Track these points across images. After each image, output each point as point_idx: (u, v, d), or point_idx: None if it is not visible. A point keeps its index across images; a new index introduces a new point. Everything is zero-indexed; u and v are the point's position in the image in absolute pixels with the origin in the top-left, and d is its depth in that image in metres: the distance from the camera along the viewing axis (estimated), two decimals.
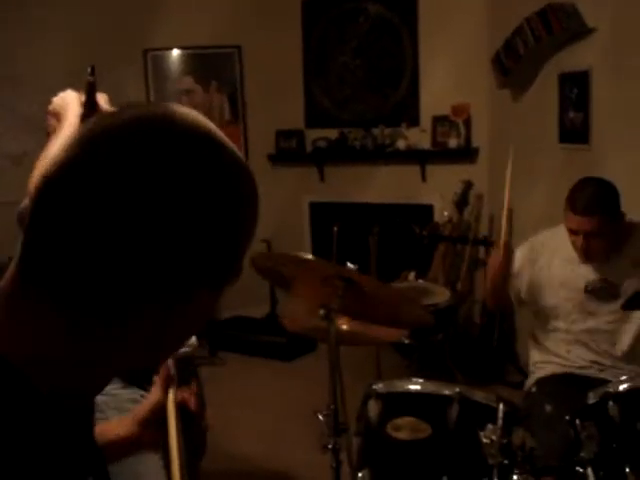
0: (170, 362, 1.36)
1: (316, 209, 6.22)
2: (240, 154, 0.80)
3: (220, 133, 0.78)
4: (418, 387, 2.16)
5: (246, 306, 5.82)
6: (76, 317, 0.71)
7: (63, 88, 1.68)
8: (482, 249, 5.21)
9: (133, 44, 5.88)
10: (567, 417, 2.19)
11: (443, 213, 5.38)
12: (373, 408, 2.18)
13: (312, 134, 6.09)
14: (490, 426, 2.07)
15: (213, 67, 6.10)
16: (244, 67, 6.11)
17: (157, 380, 1.33)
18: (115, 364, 0.78)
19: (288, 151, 6.15)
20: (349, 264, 2.86)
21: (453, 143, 5.49)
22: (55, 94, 1.59)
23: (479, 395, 2.14)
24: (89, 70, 1.44)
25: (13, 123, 5.71)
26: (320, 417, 2.50)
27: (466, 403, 2.09)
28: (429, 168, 5.68)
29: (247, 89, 6.16)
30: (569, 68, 4.04)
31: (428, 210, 5.70)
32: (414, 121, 5.66)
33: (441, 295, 4.42)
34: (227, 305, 6.02)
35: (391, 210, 5.83)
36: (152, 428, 1.30)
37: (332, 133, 5.98)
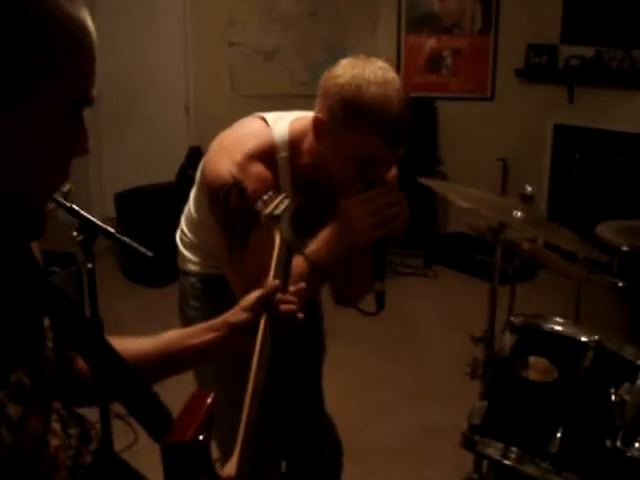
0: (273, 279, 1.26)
1: (560, 132, 5.82)
2: None
3: None
4: (556, 327, 2.00)
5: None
6: None
7: None
8: None
9: None
10: None
11: None
12: (508, 340, 2.06)
13: (566, 51, 5.64)
14: (627, 384, 1.88)
15: None
16: None
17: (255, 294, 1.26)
18: None
19: (538, 67, 5.76)
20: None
21: None
22: None
23: (624, 349, 1.94)
24: None
25: (268, 20, 5.95)
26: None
27: (603, 354, 1.91)
28: None
29: None
30: None
31: None
32: None
33: None
34: (450, 219, 5.97)
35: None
36: (241, 334, 1.26)
37: (588, 51, 5.49)
